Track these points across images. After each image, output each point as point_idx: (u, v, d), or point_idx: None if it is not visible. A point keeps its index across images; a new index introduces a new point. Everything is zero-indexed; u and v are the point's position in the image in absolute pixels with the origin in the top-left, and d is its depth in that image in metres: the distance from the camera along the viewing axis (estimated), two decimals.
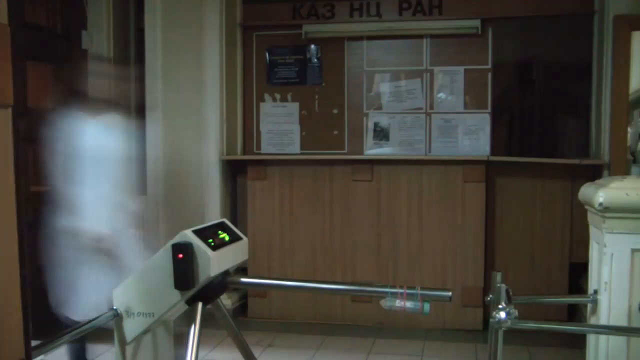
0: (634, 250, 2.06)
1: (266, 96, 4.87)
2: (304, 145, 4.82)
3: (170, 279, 2.00)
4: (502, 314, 1.92)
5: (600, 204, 2.04)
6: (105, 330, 2.19)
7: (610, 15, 4.02)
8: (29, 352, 1.20)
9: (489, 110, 4.56)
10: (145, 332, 2.20)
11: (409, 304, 2.00)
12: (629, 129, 4.21)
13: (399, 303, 2.00)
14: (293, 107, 4.83)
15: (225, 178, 4.63)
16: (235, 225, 2.32)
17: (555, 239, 4.26)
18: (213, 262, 2.00)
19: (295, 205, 4.48)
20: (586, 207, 2.26)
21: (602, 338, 2.11)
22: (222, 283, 2.15)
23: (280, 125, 4.84)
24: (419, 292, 2.02)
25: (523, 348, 3.77)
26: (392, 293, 2.02)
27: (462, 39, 4.54)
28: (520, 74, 4.72)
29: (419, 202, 4.32)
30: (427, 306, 2.00)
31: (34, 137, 3.25)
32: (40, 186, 4.32)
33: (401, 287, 2.01)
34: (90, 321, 2.06)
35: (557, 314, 4.19)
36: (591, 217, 2.26)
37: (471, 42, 4.53)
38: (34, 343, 1.42)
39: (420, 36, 4.63)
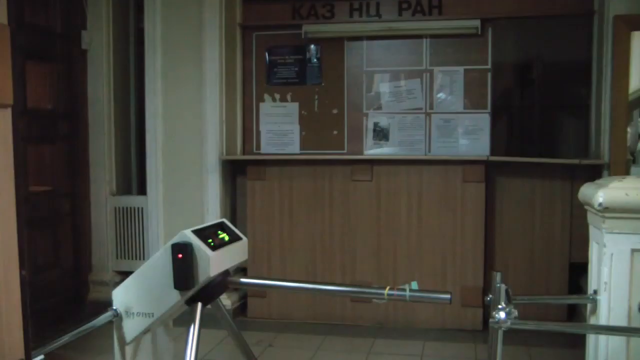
0: (634, 250, 2.06)
1: (266, 96, 4.86)
2: (303, 145, 4.81)
3: (170, 279, 2.01)
4: (502, 314, 1.92)
5: (600, 204, 2.04)
6: (105, 330, 2.19)
7: (610, 15, 4.01)
8: (29, 352, 1.20)
9: (489, 110, 4.56)
10: (145, 332, 2.20)
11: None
12: (629, 129, 4.20)
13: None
14: (293, 107, 4.83)
15: (225, 178, 4.63)
16: (235, 225, 2.32)
17: (555, 239, 4.26)
18: (213, 262, 2.00)
19: (295, 205, 4.48)
20: (586, 207, 2.26)
21: (602, 338, 2.11)
22: (222, 283, 2.16)
23: (280, 125, 4.84)
24: (419, 294, 2.02)
25: (523, 348, 3.77)
26: (390, 295, 2.02)
27: (462, 39, 4.54)
28: (520, 74, 4.72)
29: (418, 202, 4.32)
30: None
31: None
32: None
33: (402, 289, 2.01)
34: (90, 321, 2.06)
35: (557, 314, 4.19)
36: (591, 217, 2.26)
37: (471, 42, 4.53)
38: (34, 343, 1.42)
39: (420, 36, 4.62)
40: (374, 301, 2.05)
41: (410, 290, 1.99)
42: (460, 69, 4.58)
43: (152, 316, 2.11)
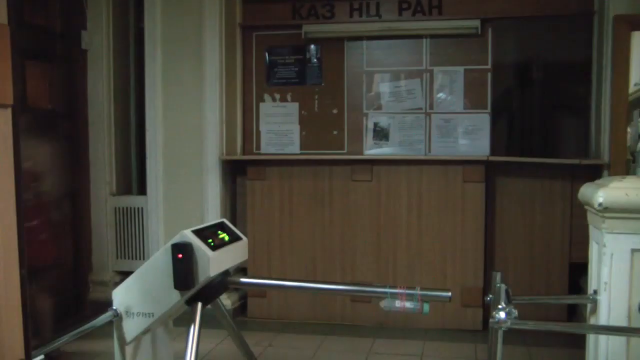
0: (634, 250, 2.06)
1: (266, 96, 4.86)
2: (303, 145, 4.81)
3: (170, 279, 2.01)
4: (502, 314, 1.92)
5: (600, 204, 2.04)
6: (105, 330, 2.19)
7: (610, 15, 4.01)
8: (29, 352, 1.20)
9: (489, 110, 4.56)
10: (145, 332, 2.20)
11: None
12: (629, 129, 4.21)
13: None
14: (293, 107, 4.83)
15: (225, 178, 4.63)
16: (235, 225, 2.32)
17: (555, 239, 4.26)
18: (213, 262, 2.00)
19: (295, 205, 4.48)
20: (586, 207, 2.26)
21: (602, 338, 2.11)
22: (222, 283, 2.16)
23: (280, 126, 4.84)
24: (419, 292, 2.02)
25: (523, 348, 3.77)
26: (391, 294, 2.02)
27: (462, 39, 4.54)
28: (520, 74, 4.72)
29: (418, 202, 4.32)
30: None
31: None
32: None
33: (401, 287, 2.01)
34: (90, 321, 2.06)
35: (557, 314, 4.19)
36: (591, 217, 2.26)
37: (471, 42, 4.53)
38: (34, 343, 1.42)
39: (420, 36, 4.62)
40: (381, 304, 2.05)
41: (410, 289, 2.00)
42: (461, 69, 4.58)
43: (152, 316, 2.11)
